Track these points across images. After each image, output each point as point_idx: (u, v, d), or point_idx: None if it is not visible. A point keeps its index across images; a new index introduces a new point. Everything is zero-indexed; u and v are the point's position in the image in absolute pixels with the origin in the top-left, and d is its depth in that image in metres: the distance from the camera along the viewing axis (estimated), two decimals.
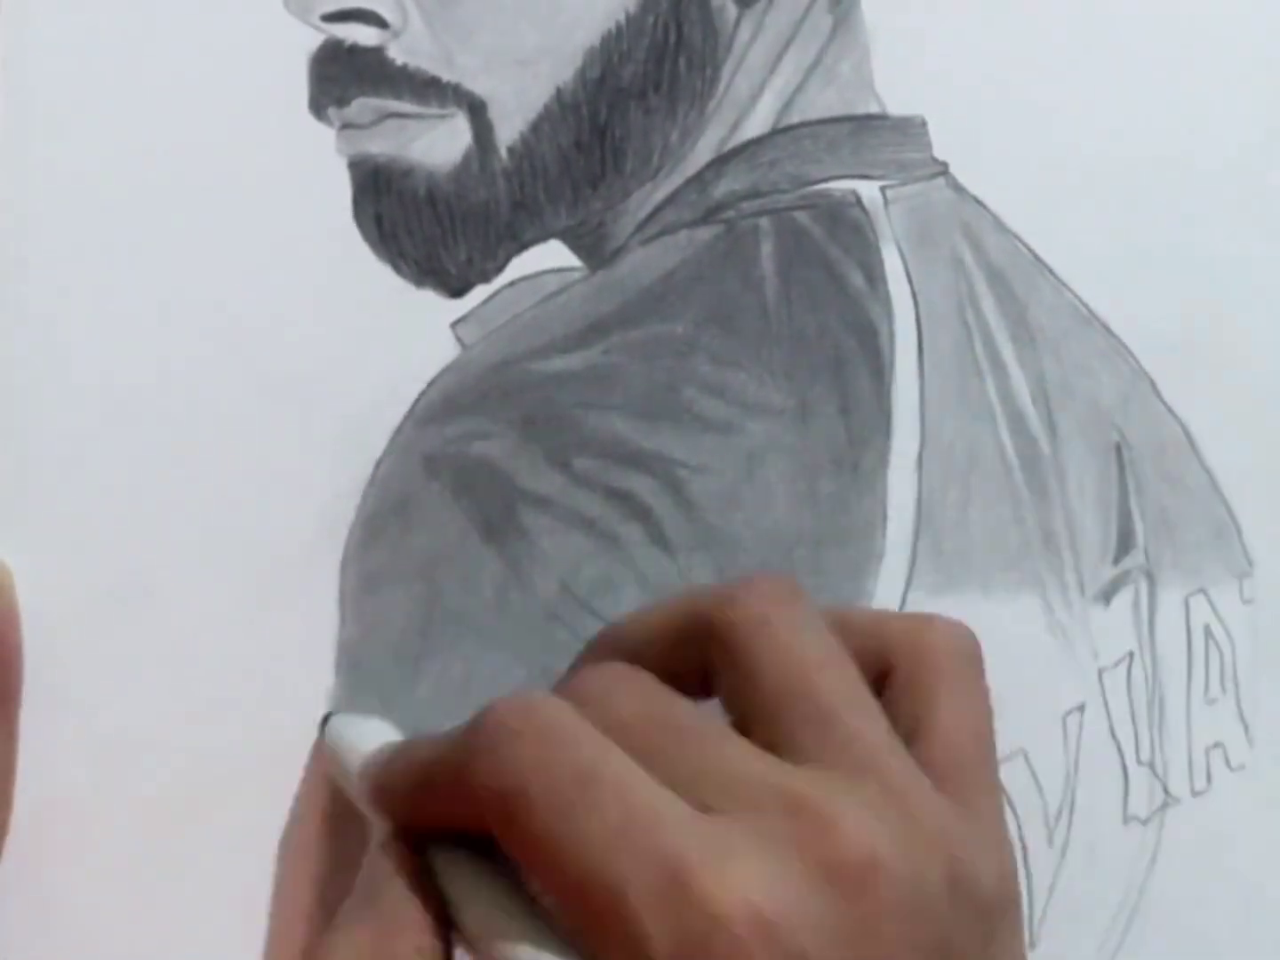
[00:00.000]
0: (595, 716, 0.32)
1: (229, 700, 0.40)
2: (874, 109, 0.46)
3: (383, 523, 0.41)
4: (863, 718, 0.33)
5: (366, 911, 0.34)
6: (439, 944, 0.33)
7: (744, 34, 0.44)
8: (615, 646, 0.37)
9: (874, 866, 0.30)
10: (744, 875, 0.29)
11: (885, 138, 0.46)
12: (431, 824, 0.34)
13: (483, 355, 0.42)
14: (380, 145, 0.43)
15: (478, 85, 0.43)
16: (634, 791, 0.31)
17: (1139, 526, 0.48)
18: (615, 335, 0.43)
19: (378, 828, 0.36)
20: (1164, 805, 0.48)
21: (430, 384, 0.42)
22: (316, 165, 0.42)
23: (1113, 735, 0.47)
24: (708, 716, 0.34)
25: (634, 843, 0.30)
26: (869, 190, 0.45)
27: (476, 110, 0.43)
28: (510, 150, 0.43)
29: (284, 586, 0.40)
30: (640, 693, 0.34)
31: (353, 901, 0.34)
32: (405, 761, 0.36)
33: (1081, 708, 0.46)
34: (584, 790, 0.30)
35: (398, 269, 0.43)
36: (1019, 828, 0.45)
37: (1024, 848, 0.45)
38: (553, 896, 0.31)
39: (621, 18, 0.43)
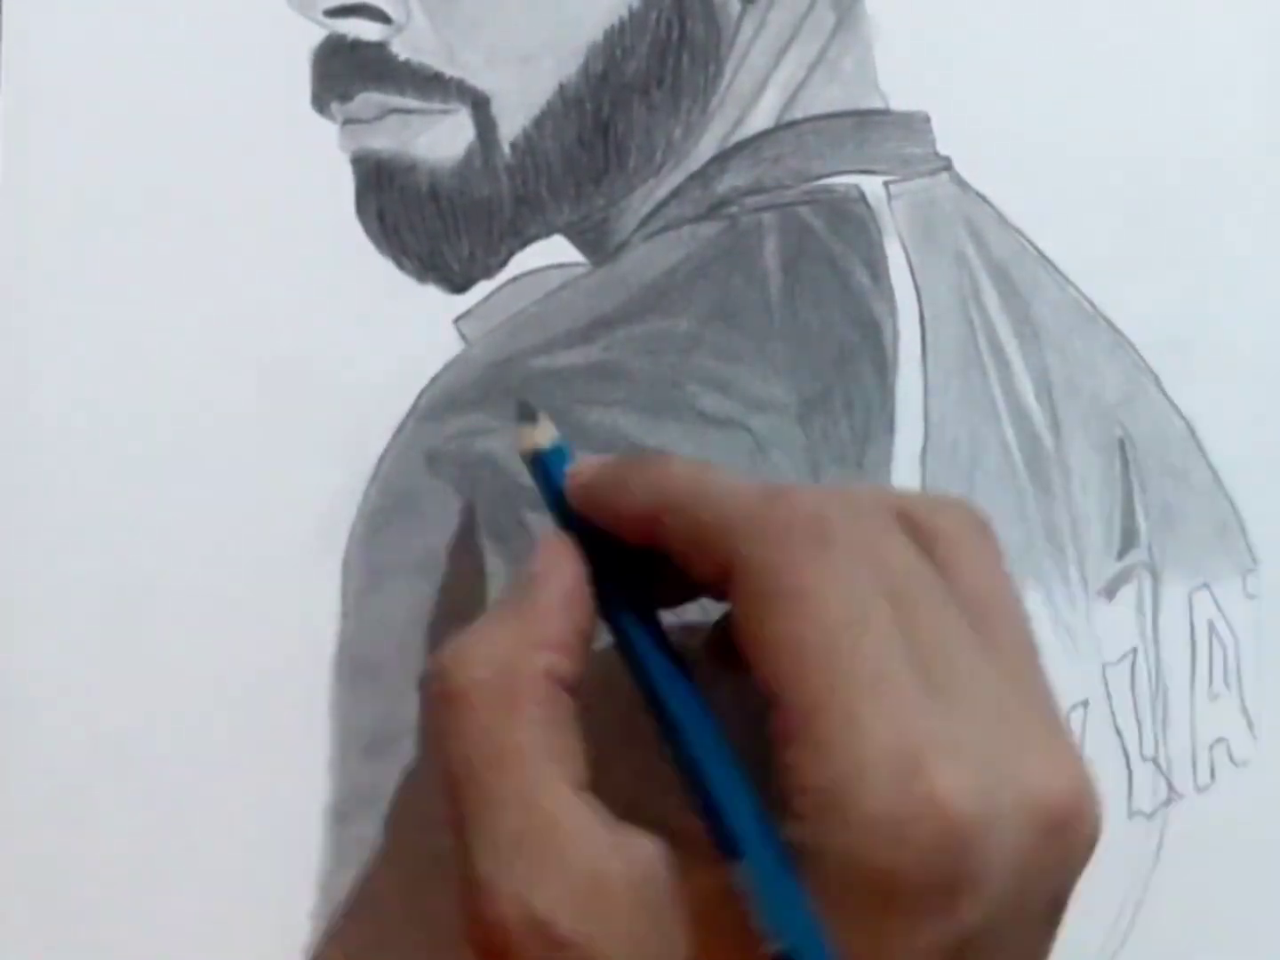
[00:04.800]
0: (866, 557, 0.32)
1: (229, 697, 0.40)
2: (877, 104, 0.46)
3: (385, 519, 0.41)
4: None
5: (511, 617, 0.33)
6: (575, 667, 0.33)
7: (747, 30, 0.44)
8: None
9: (1077, 816, 0.31)
10: (965, 780, 0.29)
11: (889, 133, 0.45)
12: (650, 543, 0.34)
13: (485, 351, 0.42)
14: (383, 141, 0.43)
15: (481, 81, 0.43)
16: (892, 655, 0.31)
17: (1143, 522, 0.48)
18: (618, 331, 0.43)
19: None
20: (1168, 800, 0.48)
21: (433, 380, 0.42)
22: (319, 161, 0.42)
23: (1116, 731, 0.47)
24: (940, 585, 0.33)
25: (884, 707, 0.30)
26: (872, 185, 0.45)
27: (479, 106, 0.43)
28: (513, 146, 0.43)
29: (286, 582, 0.40)
30: (907, 547, 0.33)
31: (501, 602, 0.34)
32: (651, 483, 0.34)
33: (1085, 703, 0.46)
34: (851, 631, 0.30)
35: (400, 265, 0.43)
36: None
37: None
38: (770, 691, 0.31)
39: (625, 13, 0.43)
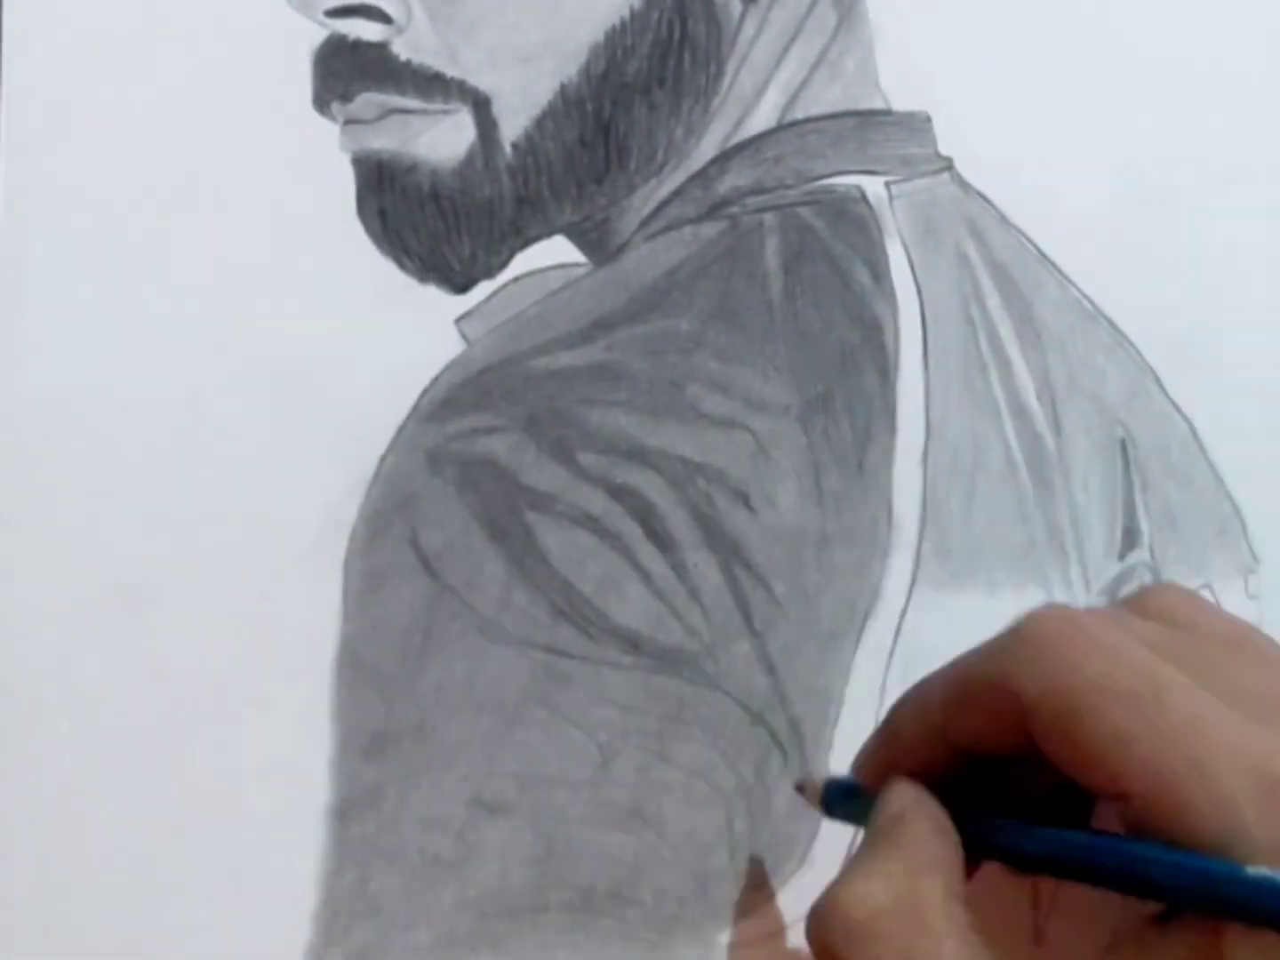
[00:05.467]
0: (1126, 625, 0.33)
1: (229, 697, 0.40)
2: (879, 105, 0.46)
3: (386, 520, 0.41)
4: None
5: (892, 851, 0.33)
6: (962, 886, 0.33)
7: (748, 30, 0.44)
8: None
9: None
10: None
11: (890, 133, 0.45)
12: (957, 742, 0.34)
13: (486, 351, 0.42)
14: (384, 141, 0.43)
15: (482, 81, 0.43)
16: (1198, 692, 0.31)
17: (1144, 522, 0.48)
18: (620, 331, 0.43)
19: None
20: None
21: (434, 380, 0.42)
22: (320, 161, 0.42)
23: None
24: (1191, 640, 0.34)
25: (1220, 739, 0.30)
26: (874, 186, 0.45)
27: (480, 106, 0.43)
28: (514, 146, 0.43)
29: (287, 583, 0.40)
30: (1144, 623, 0.34)
31: (870, 846, 0.34)
32: (929, 691, 0.35)
33: None
34: (1152, 688, 0.30)
35: (401, 265, 0.43)
36: None
37: None
38: (1118, 790, 0.31)
39: (626, 13, 0.43)
